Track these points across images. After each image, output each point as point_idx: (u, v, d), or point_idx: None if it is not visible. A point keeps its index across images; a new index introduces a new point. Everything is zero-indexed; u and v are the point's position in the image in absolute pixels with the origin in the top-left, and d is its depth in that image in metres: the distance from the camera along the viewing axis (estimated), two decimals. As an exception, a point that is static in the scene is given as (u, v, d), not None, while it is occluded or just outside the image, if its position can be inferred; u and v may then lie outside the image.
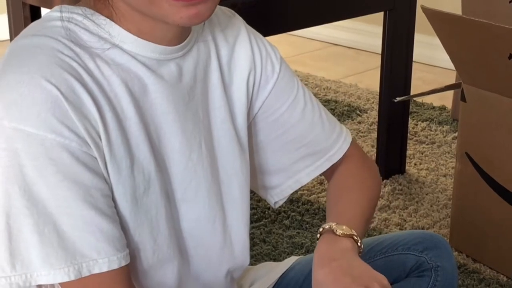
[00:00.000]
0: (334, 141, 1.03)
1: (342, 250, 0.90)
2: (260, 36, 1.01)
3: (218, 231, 0.95)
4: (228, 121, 0.95)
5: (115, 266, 0.81)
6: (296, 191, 2.06)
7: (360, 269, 0.87)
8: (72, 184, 0.79)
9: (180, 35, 0.88)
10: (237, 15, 1.00)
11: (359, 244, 0.92)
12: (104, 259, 0.80)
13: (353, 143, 1.06)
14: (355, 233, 0.92)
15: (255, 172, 1.02)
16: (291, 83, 1.02)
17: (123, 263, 0.82)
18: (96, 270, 0.80)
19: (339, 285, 0.85)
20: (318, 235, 0.94)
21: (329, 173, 1.05)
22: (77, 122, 0.79)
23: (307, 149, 1.02)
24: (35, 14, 1.82)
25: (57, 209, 0.79)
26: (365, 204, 1.00)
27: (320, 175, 1.05)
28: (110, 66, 0.84)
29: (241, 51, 0.97)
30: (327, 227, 0.93)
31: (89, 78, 0.82)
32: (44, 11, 1.68)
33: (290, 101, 1.01)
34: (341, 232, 0.91)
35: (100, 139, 0.82)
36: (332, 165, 1.04)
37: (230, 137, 0.95)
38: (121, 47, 0.85)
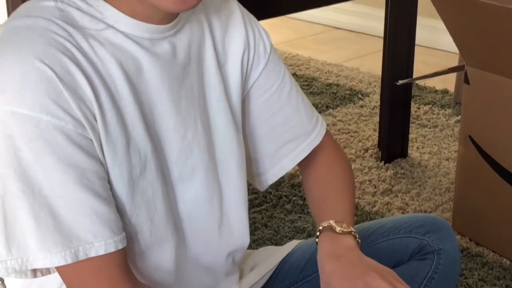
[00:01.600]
0: (314, 125, 1.05)
1: (346, 248, 0.92)
2: (252, 16, 1.01)
3: (216, 210, 0.95)
4: (223, 99, 0.95)
5: (112, 249, 0.81)
6: (298, 176, 2.05)
7: (369, 261, 0.89)
8: (67, 166, 0.78)
9: (171, 14, 0.87)
10: None
11: (357, 239, 0.94)
12: (101, 242, 0.80)
13: (327, 129, 1.08)
14: (353, 230, 0.94)
15: (246, 156, 1.02)
16: (279, 65, 1.02)
17: (120, 246, 0.82)
18: (92, 254, 0.79)
19: (351, 274, 0.87)
20: (318, 233, 0.95)
21: (305, 161, 1.05)
22: (72, 104, 0.78)
23: (292, 133, 1.03)
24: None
25: (53, 192, 0.78)
26: (350, 196, 1.02)
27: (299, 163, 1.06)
28: (104, 46, 0.83)
29: (234, 29, 0.97)
30: (326, 225, 0.94)
31: (83, 58, 0.81)
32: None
33: (278, 83, 1.01)
34: (341, 229, 0.93)
35: (96, 120, 0.81)
36: (311, 151, 1.05)
37: (225, 116, 0.95)
38: (116, 27, 0.84)
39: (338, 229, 0.93)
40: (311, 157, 1.05)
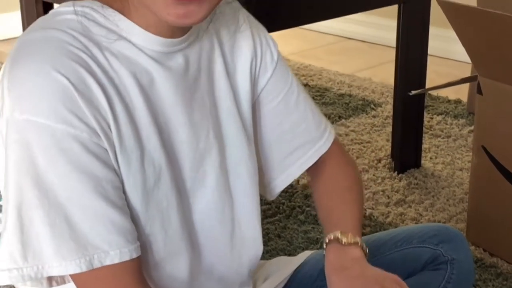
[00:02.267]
0: (323, 131, 1.05)
1: (352, 259, 0.92)
2: (260, 25, 1.02)
3: (228, 219, 0.96)
4: (233, 109, 0.95)
5: (127, 258, 0.81)
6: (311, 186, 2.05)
7: (372, 272, 0.89)
8: (82, 175, 0.79)
9: (181, 28, 0.88)
10: (236, 2, 1.00)
11: (364, 249, 0.94)
12: (116, 251, 0.80)
13: (335, 137, 1.08)
14: (359, 240, 0.94)
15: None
16: (286, 73, 1.03)
17: (135, 255, 0.82)
18: (107, 262, 0.80)
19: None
20: (324, 245, 0.95)
21: (313, 169, 1.06)
22: (87, 113, 0.79)
23: (300, 139, 1.03)
24: (48, 10, 1.83)
25: (68, 201, 0.79)
26: (356, 206, 1.01)
27: (306, 171, 1.06)
28: (118, 58, 0.84)
29: (242, 38, 0.98)
30: (332, 237, 0.94)
31: (98, 69, 0.82)
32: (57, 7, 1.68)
33: (286, 90, 1.02)
34: (346, 240, 0.93)
35: (110, 130, 0.82)
36: (319, 159, 1.05)
37: (236, 126, 0.96)
38: (129, 39, 0.85)
39: (343, 240, 0.93)
40: (319, 165, 1.05)
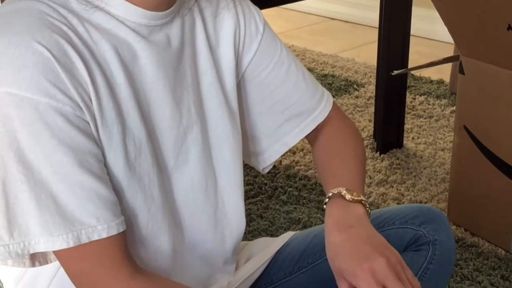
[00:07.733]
0: (318, 101, 1.03)
1: (356, 217, 0.89)
2: None
3: (211, 194, 0.95)
4: (215, 83, 0.94)
5: (114, 232, 0.80)
6: (293, 167, 2.05)
7: (379, 240, 0.86)
8: (67, 149, 0.78)
9: (167, 1, 0.86)
10: None
11: (367, 209, 0.92)
12: (103, 226, 0.79)
13: (334, 103, 1.06)
14: (364, 198, 0.92)
15: (243, 138, 1.01)
16: (274, 43, 1.01)
17: (121, 229, 0.81)
18: (95, 237, 0.79)
19: (359, 253, 0.84)
20: (327, 200, 0.93)
21: (313, 136, 1.05)
22: (69, 85, 0.78)
23: (293, 110, 1.02)
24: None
25: (54, 175, 0.77)
26: (358, 164, 1.00)
27: (305, 138, 1.05)
28: (98, 30, 0.82)
29: (224, 11, 0.96)
30: (336, 192, 0.92)
31: (79, 41, 0.80)
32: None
33: (275, 61, 1.00)
34: (351, 197, 0.91)
35: (92, 103, 0.80)
36: (317, 126, 1.04)
37: (218, 100, 0.94)
38: (108, 11, 0.83)
39: (348, 196, 0.91)
40: (317, 131, 1.04)
